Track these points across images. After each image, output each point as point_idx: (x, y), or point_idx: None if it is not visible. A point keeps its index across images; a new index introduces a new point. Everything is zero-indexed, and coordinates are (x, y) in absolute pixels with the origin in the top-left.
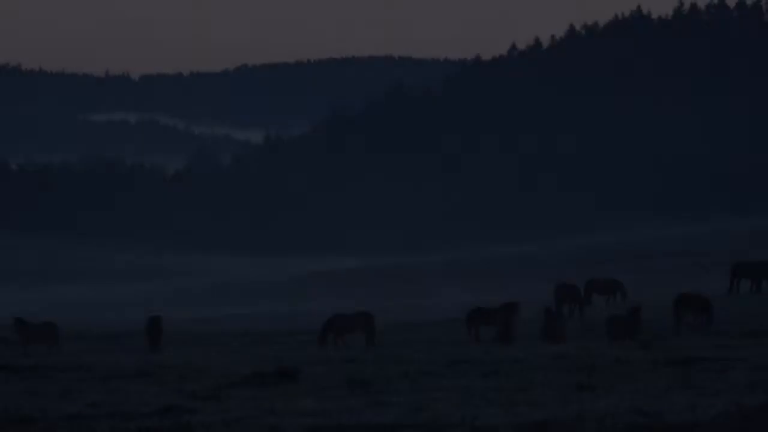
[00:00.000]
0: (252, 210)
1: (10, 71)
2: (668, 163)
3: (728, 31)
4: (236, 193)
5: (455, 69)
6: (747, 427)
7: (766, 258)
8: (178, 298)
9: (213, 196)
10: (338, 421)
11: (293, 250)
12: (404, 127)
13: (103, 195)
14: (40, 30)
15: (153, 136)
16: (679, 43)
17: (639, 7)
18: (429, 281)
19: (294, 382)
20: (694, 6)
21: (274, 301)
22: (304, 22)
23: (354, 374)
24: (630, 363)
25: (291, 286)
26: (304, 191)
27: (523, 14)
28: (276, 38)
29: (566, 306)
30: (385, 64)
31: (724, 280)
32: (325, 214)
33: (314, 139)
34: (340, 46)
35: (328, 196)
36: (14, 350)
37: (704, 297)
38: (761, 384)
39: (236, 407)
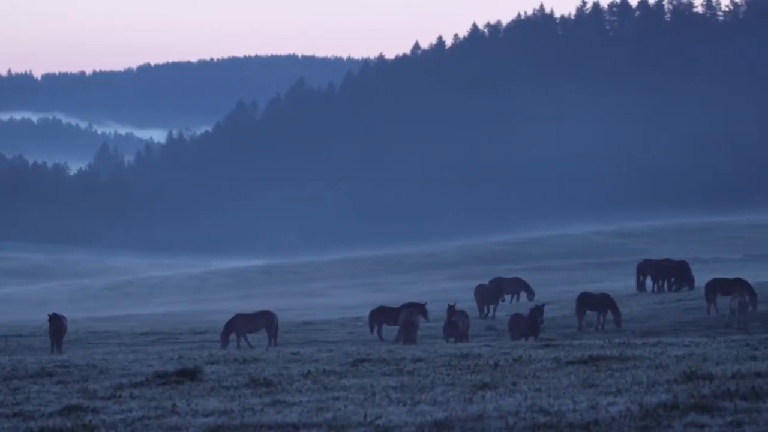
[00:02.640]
0: (153, 209)
1: None
2: (571, 163)
3: (630, 30)
4: (138, 192)
5: (358, 68)
6: (648, 426)
7: (669, 257)
8: (79, 297)
9: (115, 196)
10: (240, 420)
11: (194, 249)
12: (306, 126)
13: (4, 194)
14: None
15: (55, 136)
16: (582, 42)
17: (542, 6)
18: (329, 281)
19: (196, 382)
20: (596, 5)
21: (175, 300)
22: (207, 21)
23: (256, 374)
24: (532, 362)
25: (192, 285)
26: (206, 191)
27: (427, 13)
28: (179, 37)
29: (486, 305)
30: (289, 63)
31: (627, 279)
32: (226, 213)
33: (217, 138)
34: (243, 45)
35: (229, 196)
36: None
37: (606, 295)
38: (662, 383)
39: (138, 407)
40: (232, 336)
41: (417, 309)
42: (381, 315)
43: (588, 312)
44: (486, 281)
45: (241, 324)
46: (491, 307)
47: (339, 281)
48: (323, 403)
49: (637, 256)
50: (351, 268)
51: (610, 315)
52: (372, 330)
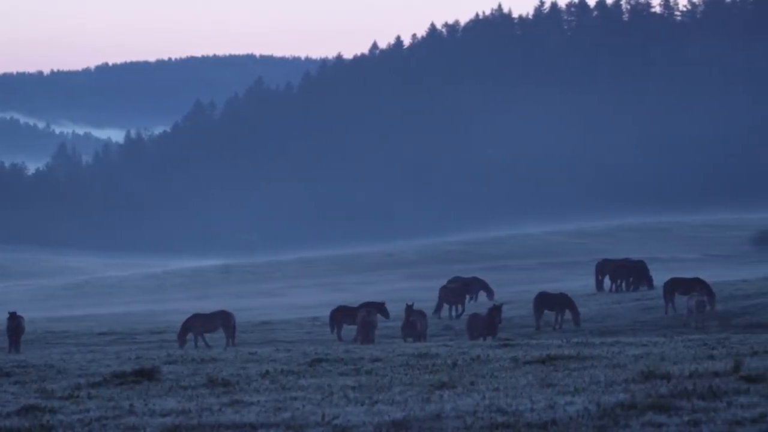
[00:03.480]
0: (111, 209)
1: None
2: (529, 163)
3: (588, 29)
4: (96, 192)
5: (316, 67)
6: (605, 425)
7: (628, 256)
8: (37, 297)
9: (73, 196)
10: (198, 420)
11: (152, 249)
12: (264, 126)
13: None
14: None
15: (13, 135)
16: (540, 42)
17: (500, 6)
18: (287, 280)
19: (154, 382)
20: (554, 5)
21: (133, 300)
22: (166, 21)
23: (214, 374)
24: (490, 361)
25: (150, 285)
26: (164, 191)
27: (385, 13)
28: (137, 37)
29: (451, 305)
30: (247, 63)
31: (585, 279)
32: (184, 213)
33: (175, 138)
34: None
35: (187, 196)
36: None
37: (564, 295)
38: (620, 382)
39: (96, 407)
40: (190, 336)
41: (376, 308)
42: (341, 314)
43: (546, 311)
44: (444, 281)
45: (197, 324)
46: (458, 306)
47: (297, 281)
48: (281, 402)
49: (595, 255)
50: (309, 268)
51: (568, 314)
52: (332, 330)
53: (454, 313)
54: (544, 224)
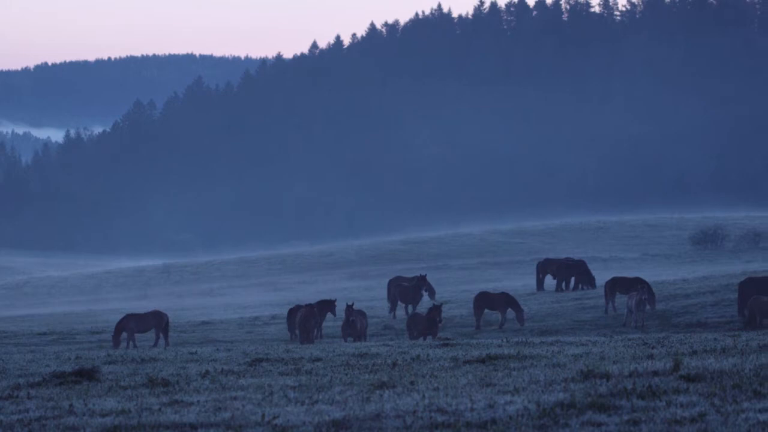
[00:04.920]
0: (51, 209)
1: None
2: (468, 162)
3: (527, 29)
4: (36, 192)
5: (256, 67)
6: (545, 425)
7: (568, 255)
8: None
9: (12, 196)
10: (138, 420)
11: (92, 249)
12: (204, 126)
13: None
14: None
15: None
16: (480, 42)
17: (440, 5)
18: (227, 280)
19: (94, 382)
20: (494, 5)
21: (73, 300)
22: (105, 20)
23: (154, 373)
24: (430, 361)
25: (90, 285)
26: (103, 190)
27: (325, 13)
28: (76, 36)
29: (403, 304)
30: (186, 62)
31: (525, 278)
32: (124, 213)
33: (114, 137)
34: (142, 44)
35: (127, 195)
36: None
37: (506, 294)
38: (559, 382)
39: (35, 407)
40: (125, 336)
41: (327, 306)
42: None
43: (487, 311)
44: (385, 281)
45: (130, 324)
46: (414, 305)
47: (237, 281)
48: (221, 402)
49: (535, 255)
50: (249, 268)
51: (511, 313)
52: (290, 329)
53: (410, 311)
54: (483, 223)
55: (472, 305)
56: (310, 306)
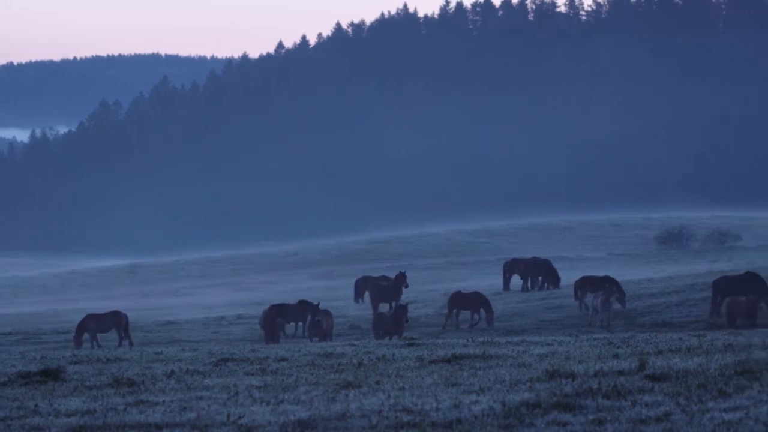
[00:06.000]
0: (17, 209)
1: None
2: (434, 162)
3: (493, 29)
4: (1, 192)
5: (222, 67)
6: (510, 424)
7: (534, 255)
8: None
9: None
10: (103, 420)
11: (58, 248)
12: (169, 125)
13: None
14: None
15: None
16: (446, 41)
17: (406, 5)
18: (193, 280)
19: (59, 382)
20: (459, 5)
21: (39, 300)
22: (70, 20)
23: (119, 373)
24: (396, 361)
25: (55, 285)
26: (69, 190)
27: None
28: (42, 36)
29: (388, 303)
30: (152, 62)
31: (491, 278)
32: (90, 212)
33: (80, 137)
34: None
35: (93, 195)
36: None
37: (479, 294)
38: (525, 381)
39: (1, 407)
40: (86, 336)
41: (309, 308)
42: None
43: (459, 311)
44: (351, 281)
45: (90, 324)
46: (392, 303)
47: (202, 280)
48: (186, 402)
49: (500, 255)
50: (214, 267)
51: (482, 313)
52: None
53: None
54: (449, 223)
55: (447, 305)
56: (275, 306)
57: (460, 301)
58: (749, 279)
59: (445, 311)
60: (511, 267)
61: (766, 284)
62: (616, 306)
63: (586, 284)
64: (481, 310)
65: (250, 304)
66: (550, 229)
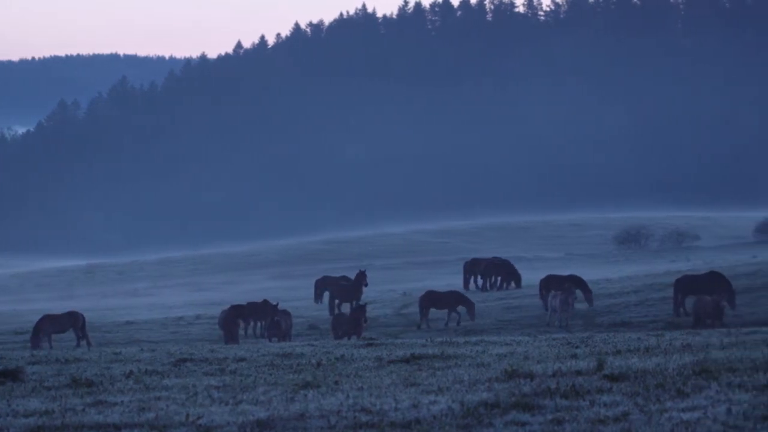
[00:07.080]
0: None
1: None
2: (392, 162)
3: (452, 29)
4: None
5: (180, 67)
6: (469, 424)
7: (494, 255)
8: None
9: None
10: (62, 421)
11: (15, 248)
12: (128, 126)
13: None
14: None
15: None
16: (404, 42)
17: (364, 5)
18: (152, 280)
19: (17, 382)
20: (418, 5)
21: None
22: (28, 20)
23: (78, 374)
24: (355, 361)
25: (13, 285)
26: (27, 190)
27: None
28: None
29: (350, 302)
30: (111, 62)
31: (450, 278)
32: (48, 213)
33: (38, 137)
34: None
35: (51, 195)
36: None
37: (455, 292)
38: (483, 381)
39: None
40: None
41: (267, 308)
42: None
43: (433, 310)
44: (310, 281)
45: (47, 325)
46: (353, 302)
47: (161, 281)
48: (145, 403)
49: (459, 255)
50: (172, 268)
51: (462, 310)
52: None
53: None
54: (407, 223)
55: (419, 304)
56: (234, 307)
57: (435, 299)
58: (712, 278)
59: (404, 311)
60: (471, 267)
61: (730, 283)
62: (583, 304)
63: (550, 283)
64: (460, 307)
65: (209, 305)
66: (508, 229)
